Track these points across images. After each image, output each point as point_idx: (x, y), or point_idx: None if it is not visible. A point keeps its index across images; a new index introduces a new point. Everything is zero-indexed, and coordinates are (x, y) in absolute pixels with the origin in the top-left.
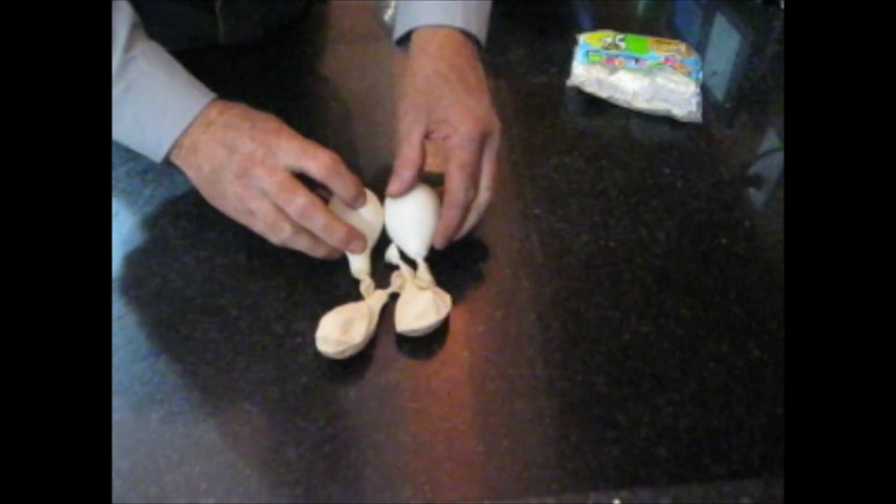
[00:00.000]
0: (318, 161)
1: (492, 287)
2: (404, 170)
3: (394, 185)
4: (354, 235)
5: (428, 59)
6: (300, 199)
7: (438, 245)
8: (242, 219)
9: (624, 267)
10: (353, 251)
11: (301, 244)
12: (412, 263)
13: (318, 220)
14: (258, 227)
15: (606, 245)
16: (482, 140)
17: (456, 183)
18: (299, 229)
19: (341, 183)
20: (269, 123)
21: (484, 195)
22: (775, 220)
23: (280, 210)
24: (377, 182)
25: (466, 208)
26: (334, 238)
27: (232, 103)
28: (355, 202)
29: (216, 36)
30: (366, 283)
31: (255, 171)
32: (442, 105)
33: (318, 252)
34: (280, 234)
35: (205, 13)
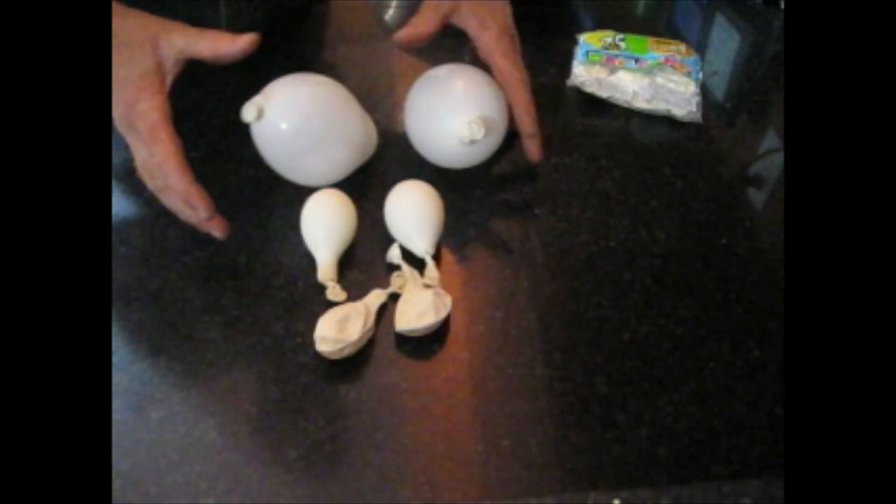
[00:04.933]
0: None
1: (492, 287)
2: (421, 25)
3: (404, 31)
4: (216, 220)
5: None
6: (160, 156)
7: (530, 129)
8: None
9: (624, 267)
10: (211, 230)
11: (167, 201)
12: (416, 263)
13: (176, 183)
14: (137, 160)
15: (606, 245)
16: (511, 38)
17: (508, 68)
18: (160, 183)
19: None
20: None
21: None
22: (775, 220)
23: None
24: (376, 182)
25: (528, 85)
26: (194, 212)
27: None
28: (235, 44)
29: (219, 28)
30: (331, 289)
31: (135, 109)
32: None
33: (182, 215)
34: (148, 183)
35: (207, 2)
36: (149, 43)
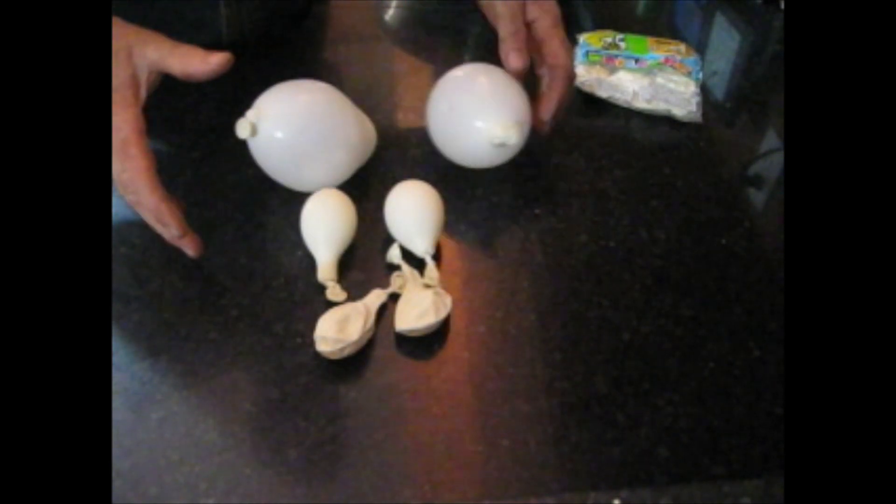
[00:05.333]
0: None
1: (492, 287)
2: (518, 42)
3: (516, 60)
4: (188, 237)
5: None
6: (131, 172)
7: (546, 118)
8: None
9: (624, 267)
10: (184, 247)
11: (142, 215)
12: (416, 263)
13: (147, 201)
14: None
15: (606, 245)
16: (563, 24)
17: (563, 56)
18: (132, 198)
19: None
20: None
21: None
22: (775, 220)
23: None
24: (376, 182)
25: (572, 79)
26: (166, 228)
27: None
28: (208, 62)
29: (219, 29)
30: (331, 289)
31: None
32: None
33: (156, 230)
34: (122, 194)
35: (207, 2)
36: (123, 53)
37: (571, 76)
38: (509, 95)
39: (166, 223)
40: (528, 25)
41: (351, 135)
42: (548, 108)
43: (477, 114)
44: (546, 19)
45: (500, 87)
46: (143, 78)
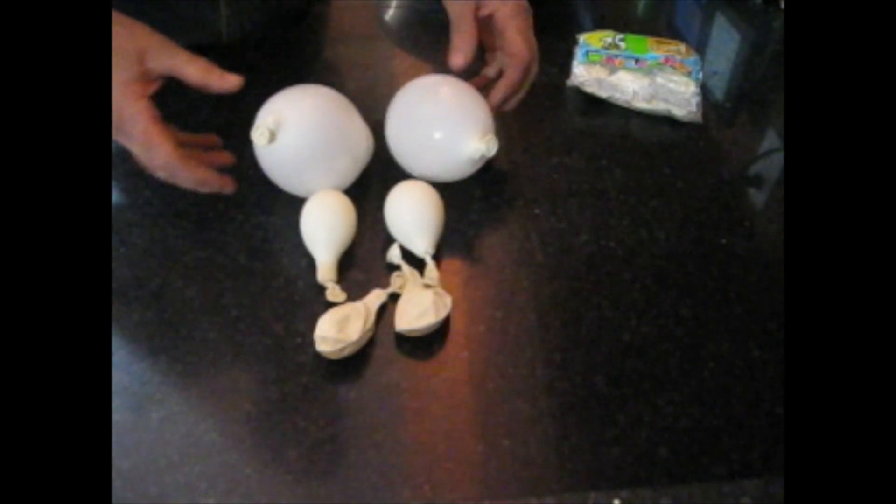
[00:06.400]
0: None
1: (492, 287)
2: (464, 43)
3: (457, 59)
4: (226, 182)
5: None
6: (161, 157)
7: (495, 106)
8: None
9: (624, 267)
10: (224, 191)
11: (180, 182)
12: (416, 263)
13: (183, 176)
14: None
15: (606, 245)
16: (527, 13)
17: (519, 44)
18: (167, 175)
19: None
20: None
21: (535, 65)
22: (775, 220)
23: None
24: (376, 182)
25: (528, 69)
26: (207, 187)
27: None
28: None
29: (219, 29)
30: (331, 290)
31: (122, 115)
32: None
33: (201, 189)
34: (155, 175)
35: (207, 2)
36: (135, 53)
37: (527, 66)
38: (478, 108)
39: (212, 186)
40: (490, 18)
41: (356, 140)
42: (497, 96)
43: (451, 127)
44: (503, 9)
45: (466, 101)
46: (152, 79)
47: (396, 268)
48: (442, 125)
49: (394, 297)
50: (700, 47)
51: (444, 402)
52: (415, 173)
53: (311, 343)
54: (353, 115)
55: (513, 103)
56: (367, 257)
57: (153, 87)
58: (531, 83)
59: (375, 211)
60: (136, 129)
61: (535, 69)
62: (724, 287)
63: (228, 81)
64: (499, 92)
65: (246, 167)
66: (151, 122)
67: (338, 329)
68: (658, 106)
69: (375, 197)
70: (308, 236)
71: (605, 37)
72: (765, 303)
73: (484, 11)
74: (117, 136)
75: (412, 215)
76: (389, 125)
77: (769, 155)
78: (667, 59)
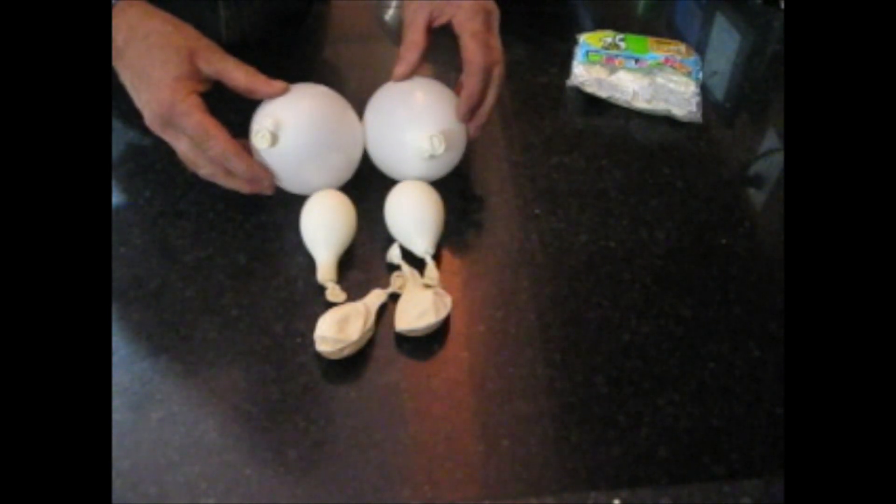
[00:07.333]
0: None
1: (492, 287)
2: (409, 52)
3: (399, 68)
4: (272, 181)
5: None
6: (217, 147)
7: (462, 117)
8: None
9: (624, 267)
10: (265, 191)
11: (221, 181)
12: (416, 263)
13: (238, 167)
14: (179, 152)
15: (606, 245)
16: (486, 15)
17: (472, 50)
18: (217, 169)
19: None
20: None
21: (498, 69)
22: (775, 220)
23: (199, 151)
24: (376, 182)
25: (487, 74)
26: (259, 185)
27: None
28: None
29: (219, 31)
30: (331, 290)
31: (174, 110)
32: None
33: (244, 190)
34: (199, 172)
35: (206, 3)
36: (186, 51)
37: (484, 71)
38: (436, 107)
39: (260, 184)
40: (448, 25)
41: (353, 140)
42: (461, 109)
43: (405, 126)
44: (459, 15)
45: (428, 99)
46: (202, 79)
47: (396, 268)
48: (395, 124)
49: (394, 297)
50: (700, 47)
51: (444, 402)
52: (385, 172)
53: (311, 343)
54: (346, 111)
55: (483, 115)
56: (367, 257)
57: (202, 88)
58: (499, 87)
59: (375, 211)
60: (189, 121)
61: (498, 72)
62: (724, 287)
63: (274, 87)
64: (462, 105)
65: None
66: (205, 115)
67: (338, 329)
68: (658, 106)
69: (375, 197)
70: (308, 236)
71: (605, 37)
72: (765, 303)
73: (441, 19)
74: (164, 132)
75: (412, 215)
76: (365, 124)
77: (769, 155)
78: (667, 60)
